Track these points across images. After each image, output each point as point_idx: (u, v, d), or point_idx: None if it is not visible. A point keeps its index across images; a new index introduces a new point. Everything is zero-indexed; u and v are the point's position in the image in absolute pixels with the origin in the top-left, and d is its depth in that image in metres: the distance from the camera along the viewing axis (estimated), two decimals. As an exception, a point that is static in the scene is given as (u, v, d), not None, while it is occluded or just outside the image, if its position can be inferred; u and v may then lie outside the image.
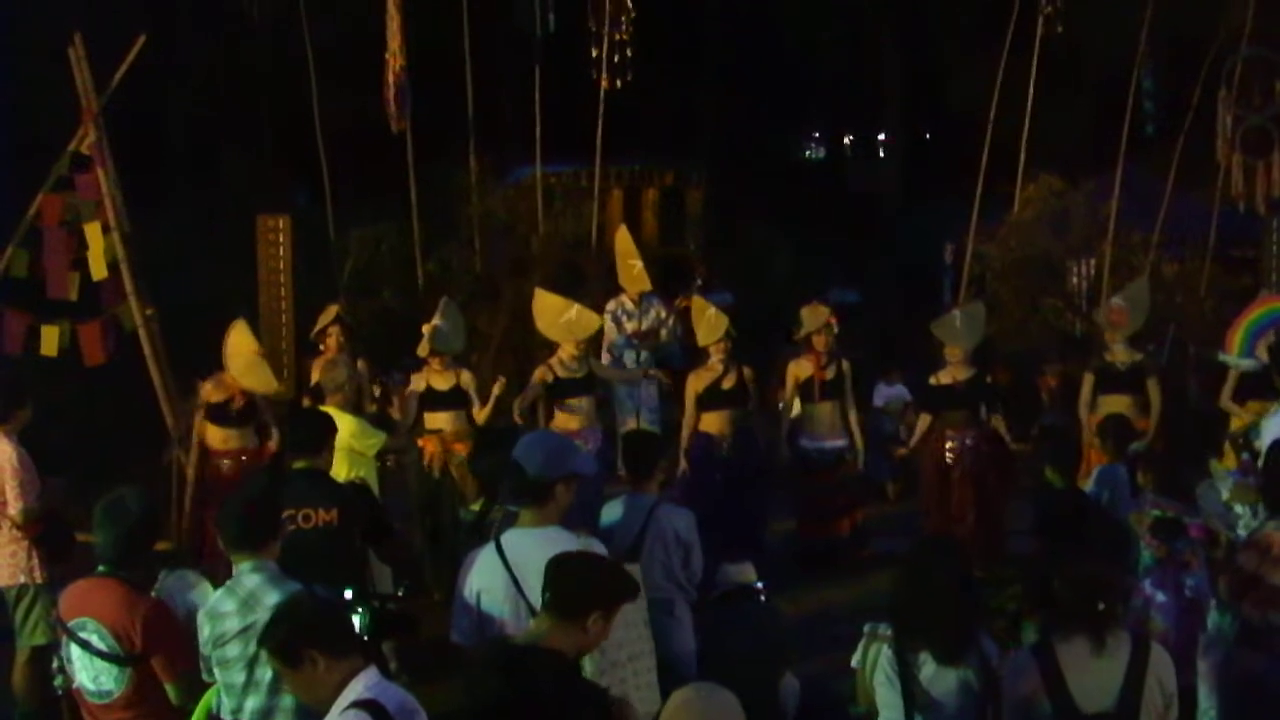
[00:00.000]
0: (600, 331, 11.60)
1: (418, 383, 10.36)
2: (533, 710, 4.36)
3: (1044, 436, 11.61)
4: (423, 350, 10.39)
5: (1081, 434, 10.78)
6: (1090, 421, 10.80)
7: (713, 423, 10.53)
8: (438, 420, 10.38)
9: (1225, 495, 8.50)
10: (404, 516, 10.17)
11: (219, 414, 10.32)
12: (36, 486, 8.14)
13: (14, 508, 8.04)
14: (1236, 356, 10.75)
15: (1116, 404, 10.61)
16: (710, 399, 10.56)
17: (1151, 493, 7.96)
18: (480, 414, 10.46)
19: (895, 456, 12.78)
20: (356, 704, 4.41)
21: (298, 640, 4.50)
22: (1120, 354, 10.98)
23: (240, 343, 10.17)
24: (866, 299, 19.72)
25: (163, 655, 5.32)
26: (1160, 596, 7.25)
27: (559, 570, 4.60)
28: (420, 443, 10.29)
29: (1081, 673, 4.85)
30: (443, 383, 10.39)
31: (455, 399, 10.41)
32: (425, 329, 10.33)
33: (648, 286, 12.36)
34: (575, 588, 4.55)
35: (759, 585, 7.67)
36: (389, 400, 10.59)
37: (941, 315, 11.47)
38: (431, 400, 10.39)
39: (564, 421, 10.47)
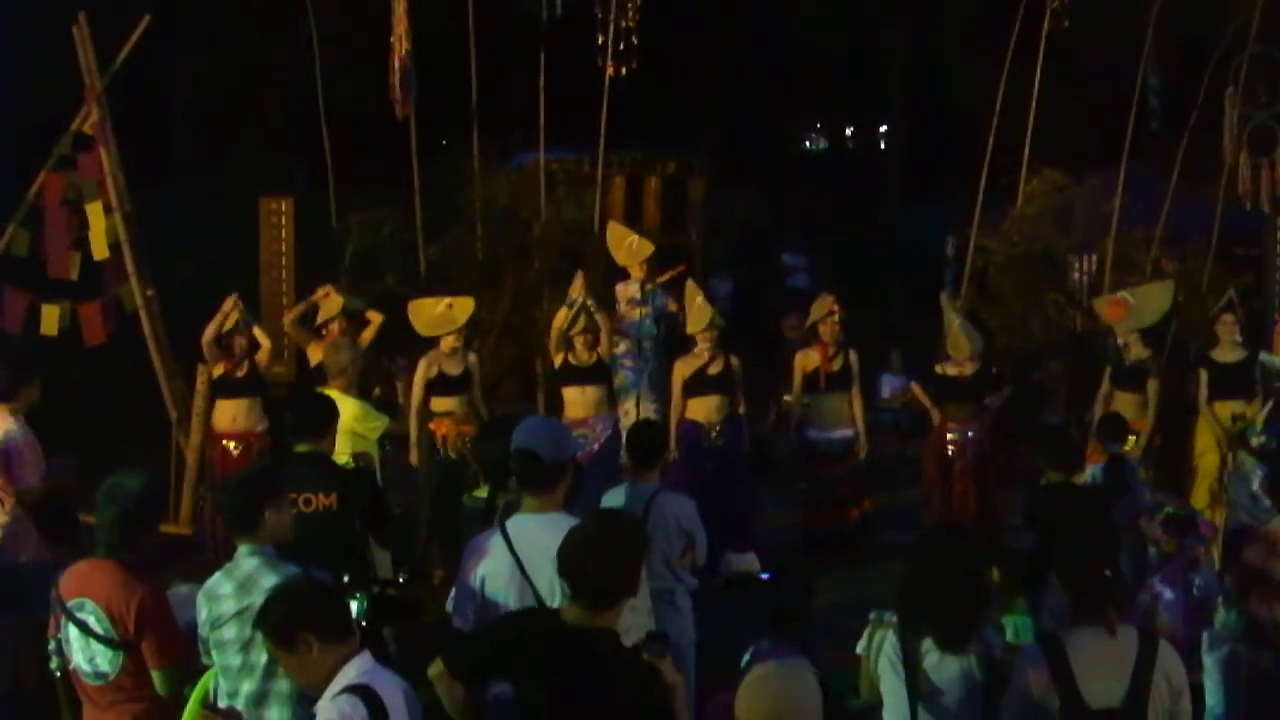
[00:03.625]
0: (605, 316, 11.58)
1: (429, 368, 10.32)
2: (602, 689, 4.32)
3: (1042, 431, 11.59)
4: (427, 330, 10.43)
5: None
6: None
7: (700, 409, 10.55)
8: (447, 404, 10.37)
9: (1255, 486, 8.47)
10: (405, 501, 10.15)
11: (223, 387, 10.42)
12: (41, 466, 8.14)
13: (18, 486, 8.02)
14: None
15: (1123, 401, 10.65)
16: (697, 385, 10.57)
17: (1150, 489, 7.95)
18: (478, 398, 10.49)
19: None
20: (349, 689, 4.41)
21: (292, 623, 4.50)
22: (1134, 350, 10.95)
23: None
24: (867, 290, 19.60)
25: (152, 641, 5.29)
26: (1168, 594, 7.21)
27: (583, 560, 4.50)
28: (432, 426, 10.26)
29: (1089, 669, 4.81)
30: (454, 367, 10.38)
31: (464, 383, 10.42)
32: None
33: (650, 250, 12.37)
34: (608, 578, 4.48)
35: (763, 576, 7.65)
36: (393, 384, 10.58)
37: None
38: (443, 385, 10.36)
39: (574, 409, 10.48)
